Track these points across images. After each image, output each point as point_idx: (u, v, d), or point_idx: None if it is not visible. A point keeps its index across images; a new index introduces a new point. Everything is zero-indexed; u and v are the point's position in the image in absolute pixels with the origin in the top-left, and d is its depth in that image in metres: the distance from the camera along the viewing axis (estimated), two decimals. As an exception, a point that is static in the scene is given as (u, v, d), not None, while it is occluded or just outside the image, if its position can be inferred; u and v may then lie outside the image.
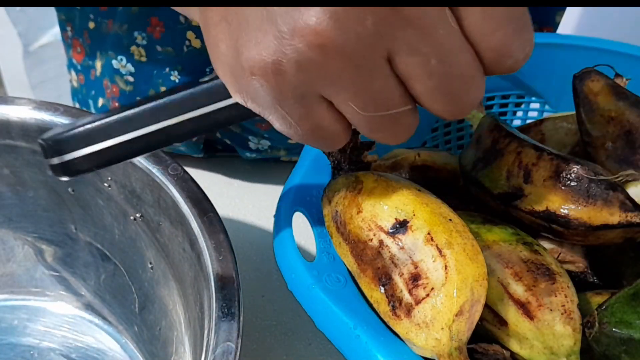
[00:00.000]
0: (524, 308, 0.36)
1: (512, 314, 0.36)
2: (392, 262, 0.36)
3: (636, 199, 0.39)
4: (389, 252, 0.36)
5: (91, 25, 0.56)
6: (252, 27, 0.27)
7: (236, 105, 0.31)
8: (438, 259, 0.34)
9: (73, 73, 0.63)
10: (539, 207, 0.40)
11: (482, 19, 0.27)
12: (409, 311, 0.34)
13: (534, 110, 0.60)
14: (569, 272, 0.39)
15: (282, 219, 0.40)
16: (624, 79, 0.47)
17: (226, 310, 0.36)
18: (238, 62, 0.28)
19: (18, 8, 1.00)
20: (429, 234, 0.35)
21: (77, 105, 0.65)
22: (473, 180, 0.44)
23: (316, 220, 0.41)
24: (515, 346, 0.36)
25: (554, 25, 0.63)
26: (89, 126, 0.31)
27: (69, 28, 0.60)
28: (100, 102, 0.60)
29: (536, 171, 0.40)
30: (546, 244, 0.42)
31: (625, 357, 0.35)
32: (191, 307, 0.42)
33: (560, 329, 0.35)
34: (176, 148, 0.61)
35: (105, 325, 0.51)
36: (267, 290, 0.53)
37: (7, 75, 1.08)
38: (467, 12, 0.27)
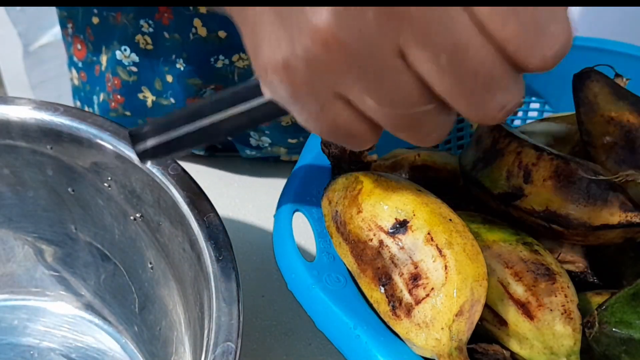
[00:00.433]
0: (524, 308, 0.36)
1: (512, 314, 0.36)
2: (392, 262, 0.36)
3: (636, 199, 0.39)
4: (389, 252, 0.36)
5: (95, 20, 0.56)
6: (265, 27, 0.28)
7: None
8: (438, 259, 0.34)
9: (74, 71, 0.63)
10: (539, 207, 0.40)
11: (490, 10, 0.25)
12: (409, 311, 0.34)
13: (533, 110, 0.60)
14: (569, 272, 0.39)
15: (282, 219, 0.40)
16: (624, 79, 0.47)
17: (226, 310, 0.36)
18: (257, 61, 0.29)
19: (18, 8, 1.00)
20: (429, 234, 0.35)
21: (78, 104, 0.65)
22: (473, 180, 0.44)
23: (316, 220, 0.41)
24: (515, 346, 0.36)
25: None
26: (166, 119, 0.36)
27: (69, 25, 0.59)
28: (102, 97, 0.60)
29: (536, 171, 0.40)
30: (546, 244, 0.42)
31: (625, 357, 0.35)
32: (191, 307, 0.42)
33: (560, 329, 0.35)
34: None
35: (105, 325, 0.51)
36: (267, 290, 0.53)
37: (7, 75, 1.08)
38: (479, 8, 0.25)
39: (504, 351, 0.35)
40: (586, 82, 0.45)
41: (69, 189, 0.47)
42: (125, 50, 0.55)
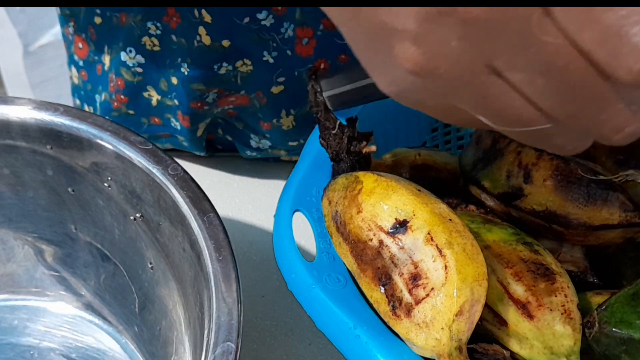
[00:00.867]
0: (524, 308, 0.36)
1: (512, 314, 0.36)
2: (392, 262, 0.36)
3: (636, 199, 0.39)
4: (389, 252, 0.36)
5: (97, 20, 0.56)
6: (363, 50, 0.29)
7: None
8: (438, 259, 0.34)
9: (74, 69, 0.63)
10: (539, 207, 0.40)
11: (579, 14, 0.23)
12: (409, 311, 0.34)
13: (534, 110, 0.60)
14: (569, 272, 0.39)
15: (282, 219, 0.40)
16: (624, 79, 0.47)
17: (226, 310, 0.36)
18: (372, 76, 0.30)
19: (18, 8, 1.00)
20: (429, 233, 0.35)
21: (77, 103, 0.65)
22: (473, 180, 0.44)
23: (316, 220, 0.41)
24: (515, 346, 0.36)
25: None
26: (349, 70, 0.41)
27: (71, 24, 0.59)
28: (104, 97, 0.60)
29: (536, 171, 0.40)
30: (546, 244, 0.42)
31: (625, 357, 0.35)
32: (191, 307, 0.42)
33: (560, 329, 0.35)
34: (179, 144, 0.61)
35: (105, 325, 0.51)
36: (267, 290, 0.53)
37: (7, 75, 1.08)
38: (561, 11, 0.23)
39: (504, 351, 0.35)
40: (586, 82, 0.45)
41: (69, 189, 0.47)
42: (130, 51, 0.55)
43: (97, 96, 0.61)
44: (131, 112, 0.59)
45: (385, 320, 0.36)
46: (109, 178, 0.45)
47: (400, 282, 0.35)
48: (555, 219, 0.40)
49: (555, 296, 0.36)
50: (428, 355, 0.34)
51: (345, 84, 0.42)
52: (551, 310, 0.36)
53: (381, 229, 0.36)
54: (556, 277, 0.37)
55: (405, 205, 0.36)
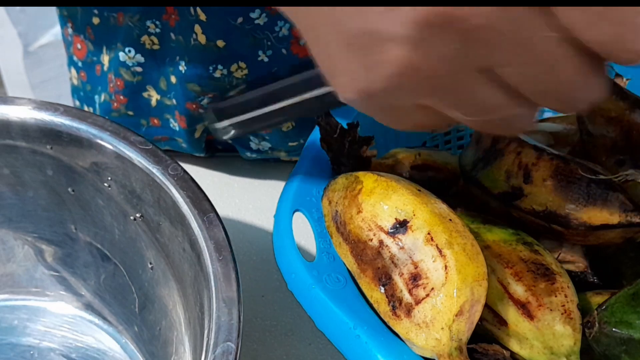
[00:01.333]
0: (524, 308, 0.36)
1: (512, 314, 0.36)
2: (392, 262, 0.36)
3: (636, 199, 0.39)
4: (389, 252, 0.36)
5: (95, 20, 0.56)
6: (340, 56, 0.29)
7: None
8: (438, 259, 0.34)
9: (73, 70, 0.63)
10: (539, 207, 0.40)
11: (581, 14, 0.24)
12: (409, 311, 0.34)
13: (534, 110, 0.60)
14: (569, 272, 0.39)
15: (282, 219, 0.40)
16: (624, 79, 0.47)
17: (226, 310, 0.36)
18: (334, 84, 0.30)
19: (18, 8, 1.00)
20: (429, 234, 0.35)
21: (77, 104, 0.65)
22: (473, 180, 0.44)
23: (316, 220, 0.41)
24: (515, 346, 0.36)
25: None
26: (242, 99, 0.40)
27: (69, 25, 0.59)
28: (103, 97, 0.60)
29: (536, 171, 0.40)
30: (546, 244, 0.42)
31: (625, 357, 0.35)
32: (191, 307, 0.42)
33: (560, 329, 0.35)
34: (179, 146, 0.61)
35: (105, 325, 0.51)
36: (267, 290, 0.53)
37: (7, 75, 1.08)
38: (563, 10, 0.25)
39: (504, 351, 0.35)
40: (586, 82, 0.45)
41: (69, 189, 0.47)
42: (129, 51, 0.55)
43: (96, 97, 0.61)
44: (130, 113, 0.59)
45: (385, 320, 0.36)
46: (109, 178, 0.45)
47: (400, 282, 0.35)
48: (555, 219, 0.40)
49: (555, 296, 0.36)
50: (428, 355, 0.34)
51: (242, 112, 0.41)
52: (551, 310, 0.36)
53: (381, 229, 0.36)
54: (556, 277, 0.37)
55: (405, 205, 0.36)
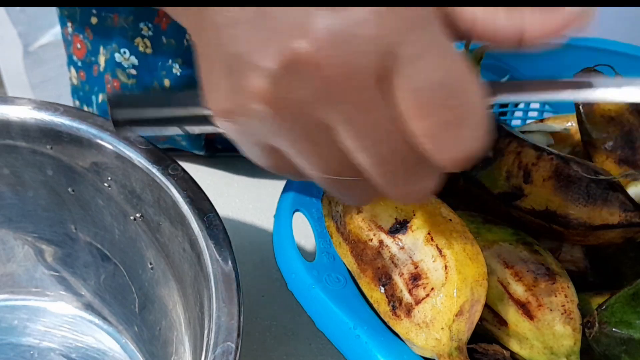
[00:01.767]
0: (524, 308, 0.36)
1: (512, 314, 0.36)
2: (392, 262, 0.36)
3: (636, 199, 0.39)
4: (389, 252, 0.36)
5: (93, 20, 0.56)
6: (216, 74, 0.29)
7: None
8: (438, 259, 0.34)
9: (73, 70, 0.63)
10: (539, 207, 0.40)
11: (411, 103, 0.25)
12: (409, 311, 0.34)
13: (534, 110, 0.60)
14: (569, 272, 0.39)
15: (282, 219, 0.40)
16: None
17: (226, 310, 0.36)
18: (206, 97, 0.31)
19: (18, 8, 1.00)
20: (429, 234, 0.35)
21: (77, 103, 0.65)
22: (473, 180, 0.44)
23: (316, 220, 0.41)
24: (515, 346, 0.36)
25: None
26: (146, 96, 0.38)
27: (69, 24, 0.59)
28: (101, 98, 0.60)
29: (536, 171, 0.40)
30: (546, 244, 0.42)
31: (625, 357, 0.35)
32: (191, 307, 0.42)
33: (560, 329, 0.35)
34: (178, 143, 0.61)
35: (105, 325, 0.51)
36: (267, 290, 0.53)
37: (7, 75, 1.08)
38: (401, 94, 0.26)
39: (504, 351, 0.35)
40: (586, 82, 0.45)
41: (69, 189, 0.47)
42: (124, 52, 0.55)
43: (93, 97, 0.61)
44: None
45: (385, 320, 0.36)
46: (109, 178, 0.45)
47: (400, 282, 0.35)
48: (555, 219, 0.40)
49: (555, 296, 0.36)
50: (428, 355, 0.34)
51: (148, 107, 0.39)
52: (551, 310, 0.36)
53: (381, 229, 0.36)
54: (556, 277, 0.37)
55: (405, 205, 0.36)
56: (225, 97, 0.29)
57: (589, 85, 0.32)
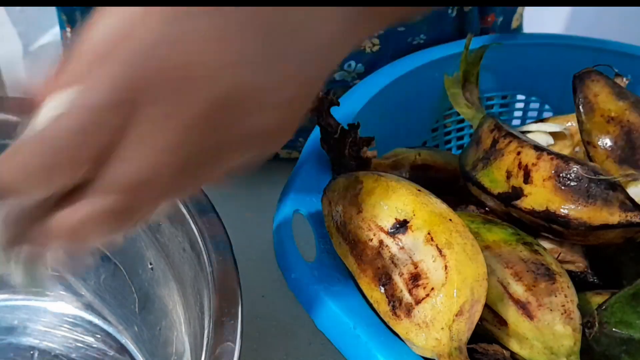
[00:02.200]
0: (524, 308, 0.36)
1: (512, 314, 0.36)
2: (392, 262, 0.36)
3: (636, 199, 0.39)
4: (389, 252, 0.36)
5: None
6: None
7: None
8: (438, 259, 0.34)
9: None
10: (539, 207, 0.40)
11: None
12: (409, 311, 0.34)
13: (533, 110, 0.60)
14: (569, 272, 0.39)
15: (282, 219, 0.40)
16: (624, 79, 0.47)
17: (226, 310, 0.36)
18: None
19: (18, 8, 1.00)
20: (429, 234, 0.35)
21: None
22: (473, 180, 0.44)
23: (316, 220, 0.41)
24: (515, 346, 0.36)
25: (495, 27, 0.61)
26: None
27: (68, 28, 0.59)
28: None
29: (536, 171, 0.40)
30: (546, 244, 0.42)
31: (625, 357, 0.35)
32: (191, 307, 0.42)
33: (560, 329, 0.35)
34: None
35: (105, 325, 0.51)
36: (267, 290, 0.53)
37: (7, 75, 1.08)
38: None
39: (504, 351, 0.35)
40: (586, 82, 0.45)
41: (69, 189, 0.47)
42: None
43: None
44: None
45: (385, 320, 0.36)
46: (109, 178, 0.45)
47: (400, 282, 0.35)
48: (555, 219, 0.40)
49: (555, 296, 0.36)
50: (428, 355, 0.34)
51: None
52: (551, 310, 0.36)
53: (381, 229, 0.36)
54: (556, 277, 0.37)
55: (405, 205, 0.36)
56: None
57: None
